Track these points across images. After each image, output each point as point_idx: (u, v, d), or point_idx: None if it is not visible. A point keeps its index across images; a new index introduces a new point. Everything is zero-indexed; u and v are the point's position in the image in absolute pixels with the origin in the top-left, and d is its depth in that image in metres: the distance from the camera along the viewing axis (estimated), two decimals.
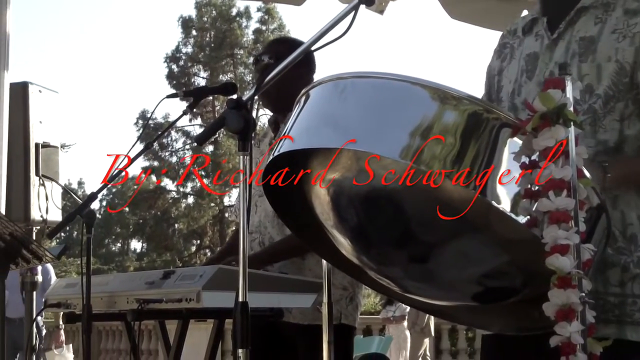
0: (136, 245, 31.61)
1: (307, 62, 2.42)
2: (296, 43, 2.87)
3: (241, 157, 1.39)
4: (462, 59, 51.93)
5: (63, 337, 6.06)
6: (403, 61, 44.79)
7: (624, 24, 1.52)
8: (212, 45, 25.97)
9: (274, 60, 2.37)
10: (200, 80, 25.59)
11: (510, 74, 1.65)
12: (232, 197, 25.22)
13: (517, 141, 1.22)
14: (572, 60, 1.53)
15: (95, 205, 2.22)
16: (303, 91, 1.42)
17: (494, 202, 1.21)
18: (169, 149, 26.14)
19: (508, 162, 1.22)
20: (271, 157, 1.43)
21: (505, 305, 1.45)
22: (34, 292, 3.32)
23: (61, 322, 5.87)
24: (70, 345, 6.73)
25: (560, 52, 1.56)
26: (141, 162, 25.27)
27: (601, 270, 1.47)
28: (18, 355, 4.96)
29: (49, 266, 5.37)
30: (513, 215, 1.21)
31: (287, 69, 1.44)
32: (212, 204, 25.60)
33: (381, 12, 3.64)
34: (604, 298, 1.48)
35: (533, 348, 1.44)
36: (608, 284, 1.49)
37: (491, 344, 1.66)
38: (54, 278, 5.46)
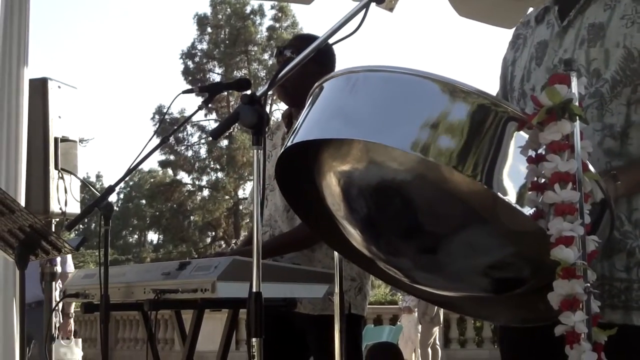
0: (153, 236, 31.87)
1: (327, 60, 2.44)
2: None
3: (255, 151, 1.42)
4: (470, 55, 51.65)
5: (72, 327, 6.02)
6: (412, 57, 44.71)
7: (633, 10, 1.53)
8: (227, 42, 26.15)
9: (295, 55, 2.40)
10: (215, 76, 25.79)
11: (522, 62, 1.67)
12: (246, 190, 25.35)
13: (524, 135, 1.25)
14: (581, 46, 1.55)
15: (112, 198, 2.26)
16: (316, 84, 1.45)
17: (500, 194, 1.23)
18: (185, 143, 26.31)
19: (514, 155, 1.25)
20: (283, 149, 1.46)
21: (511, 296, 1.47)
22: (53, 283, 3.39)
23: (72, 311, 5.83)
24: (80, 340, 6.69)
25: (570, 39, 1.58)
26: (157, 156, 25.51)
27: (607, 256, 1.48)
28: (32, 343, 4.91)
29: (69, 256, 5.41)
30: (519, 207, 1.23)
31: (298, 66, 1.47)
32: (227, 197, 25.75)
33: (391, 9, 3.65)
34: (610, 283, 1.49)
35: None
36: (614, 269, 1.49)
37: (508, 331, 1.67)
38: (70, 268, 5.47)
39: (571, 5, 1.60)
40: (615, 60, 1.51)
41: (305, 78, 1.97)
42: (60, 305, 4.96)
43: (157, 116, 25.78)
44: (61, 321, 5.44)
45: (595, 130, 1.50)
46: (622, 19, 1.53)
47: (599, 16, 1.55)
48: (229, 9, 26.40)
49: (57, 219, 3.38)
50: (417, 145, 1.25)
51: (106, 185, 3.19)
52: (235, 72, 25.62)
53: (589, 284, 1.18)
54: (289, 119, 2.54)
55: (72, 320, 5.89)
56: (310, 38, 2.77)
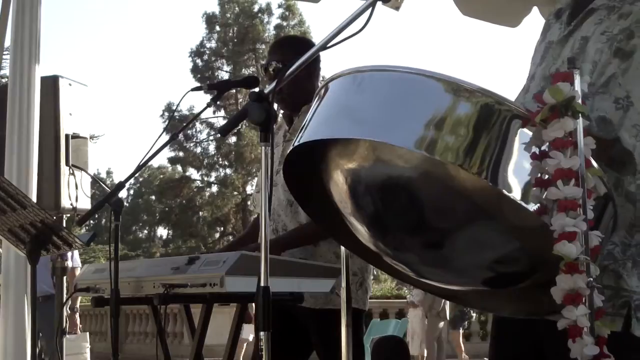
0: (162, 232, 31.99)
1: (314, 61, 2.47)
2: (298, 40, 2.90)
3: (263, 148, 1.44)
4: (473, 54, 51.43)
5: (78, 321, 6.00)
6: (417, 56, 44.62)
7: (610, 28, 1.53)
8: (235, 40, 26.28)
9: (282, 64, 2.42)
10: (224, 74, 25.86)
11: (535, 56, 1.69)
12: (254, 186, 25.40)
13: (527, 132, 1.26)
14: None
15: (122, 193, 2.29)
16: (323, 83, 1.47)
17: (504, 191, 1.25)
18: (194, 140, 26.44)
19: (519, 152, 1.27)
20: (292, 147, 1.48)
21: (515, 290, 1.49)
22: (64, 277, 3.43)
23: (77, 306, 5.82)
24: (87, 334, 6.67)
25: (566, 51, 1.60)
26: (167, 153, 25.64)
27: None
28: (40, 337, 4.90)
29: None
30: (524, 204, 1.25)
31: (306, 63, 1.48)
32: (235, 193, 25.85)
33: (397, 8, 3.65)
34: None
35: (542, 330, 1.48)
36: None
37: (500, 327, 1.69)
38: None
39: (579, 13, 1.60)
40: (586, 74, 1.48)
41: (297, 81, 2.00)
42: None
43: (166, 113, 25.89)
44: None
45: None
46: (602, 35, 1.53)
47: (589, 30, 1.56)
48: (237, 8, 26.51)
49: (68, 215, 3.41)
50: (423, 144, 1.27)
51: (116, 181, 3.22)
52: (243, 69, 25.69)
53: (591, 279, 1.20)
54: (290, 117, 2.57)
55: (77, 315, 5.90)
56: (290, 43, 2.77)
